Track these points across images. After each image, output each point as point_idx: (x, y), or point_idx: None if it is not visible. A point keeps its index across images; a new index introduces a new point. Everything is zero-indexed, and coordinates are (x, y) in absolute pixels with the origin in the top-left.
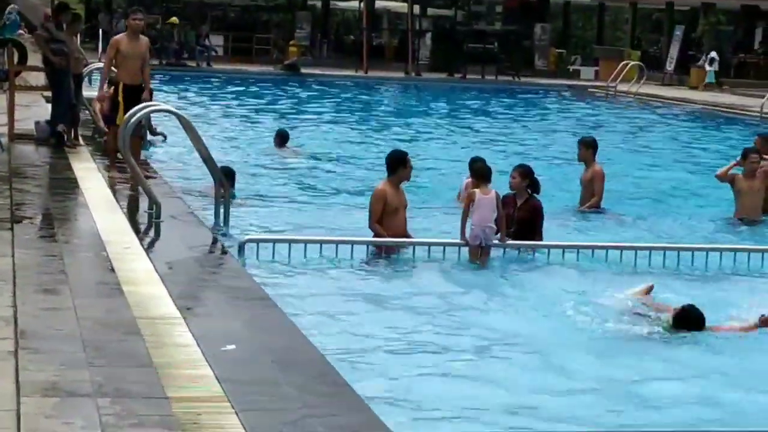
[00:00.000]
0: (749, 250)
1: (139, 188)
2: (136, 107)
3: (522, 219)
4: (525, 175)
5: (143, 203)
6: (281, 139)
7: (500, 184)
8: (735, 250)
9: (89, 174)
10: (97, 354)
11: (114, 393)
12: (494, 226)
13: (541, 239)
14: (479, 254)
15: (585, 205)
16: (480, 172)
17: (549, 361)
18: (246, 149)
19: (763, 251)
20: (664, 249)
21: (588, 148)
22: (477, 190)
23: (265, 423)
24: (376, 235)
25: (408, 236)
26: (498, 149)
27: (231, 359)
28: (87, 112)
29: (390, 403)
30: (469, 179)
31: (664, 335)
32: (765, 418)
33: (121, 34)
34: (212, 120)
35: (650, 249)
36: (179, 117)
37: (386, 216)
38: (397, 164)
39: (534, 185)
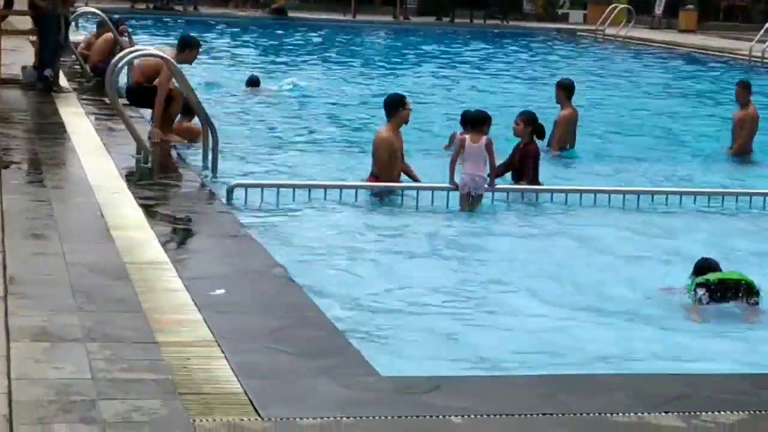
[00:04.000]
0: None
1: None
2: (123, 51)
3: (516, 162)
4: (528, 122)
5: (131, 149)
6: (254, 81)
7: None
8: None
9: (77, 119)
10: (86, 299)
11: (103, 338)
12: (485, 175)
13: (537, 182)
14: (469, 201)
15: (554, 146)
16: (469, 119)
17: (533, 304)
18: (228, 93)
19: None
20: (653, 193)
21: (562, 89)
22: (467, 137)
23: (254, 366)
24: (374, 178)
25: (416, 178)
26: (487, 93)
27: (220, 304)
28: (73, 57)
29: (376, 343)
30: (459, 132)
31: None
32: None
33: None
34: (197, 64)
35: (639, 193)
36: (167, 62)
37: (388, 161)
38: (396, 107)
39: (539, 131)
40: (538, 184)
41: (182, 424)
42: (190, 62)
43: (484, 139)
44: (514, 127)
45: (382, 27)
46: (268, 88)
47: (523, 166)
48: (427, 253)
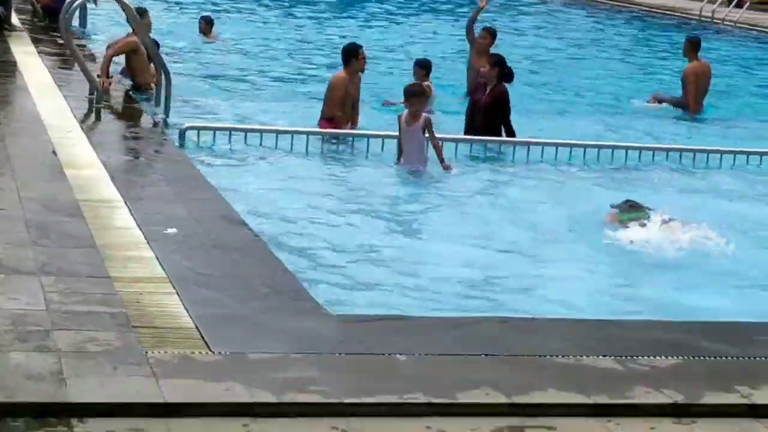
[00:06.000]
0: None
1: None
2: None
3: (487, 105)
4: (496, 64)
5: (84, 88)
6: (207, 24)
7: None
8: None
9: (30, 58)
10: (41, 234)
11: (58, 272)
12: (425, 163)
13: (509, 128)
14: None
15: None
16: (405, 92)
17: (478, 250)
18: (179, 37)
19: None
20: (627, 148)
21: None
22: (403, 117)
23: (206, 302)
24: (332, 123)
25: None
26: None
27: (172, 242)
28: None
29: (326, 284)
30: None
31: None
32: None
33: None
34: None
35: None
36: (123, 6)
37: (341, 104)
38: (350, 56)
39: (507, 75)
40: (512, 132)
41: (136, 354)
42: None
43: (420, 120)
44: (482, 70)
45: None
46: (223, 38)
47: (499, 108)
48: (374, 200)
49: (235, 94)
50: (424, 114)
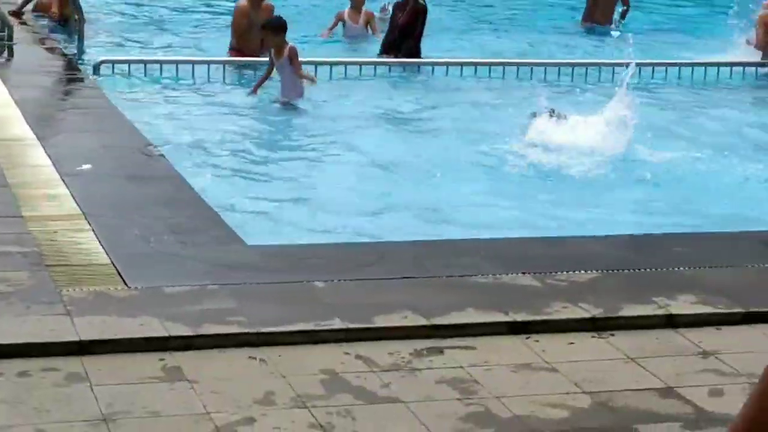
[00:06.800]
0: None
1: None
2: None
3: (404, 24)
4: None
5: None
6: None
7: None
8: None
9: None
10: None
11: None
12: (299, 95)
13: (417, 44)
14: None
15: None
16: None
17: (398, 172)
18: None
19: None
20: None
21: None
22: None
23: (121, 238)
24: (239, 52)
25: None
26: None
27: (87, 178)
28: None
29: (242, 214)
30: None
31: None
32: None
33: None
34: None
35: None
36: None
37: (246, 33)
38: None
39: None
40: (418, 51)
41: (49, 293)
42: None
43: (285, 52)
44: None
45: None
46: None
47: (413, 25)
48: (285, 127)
49: (153, 25)
50: (289, 45)
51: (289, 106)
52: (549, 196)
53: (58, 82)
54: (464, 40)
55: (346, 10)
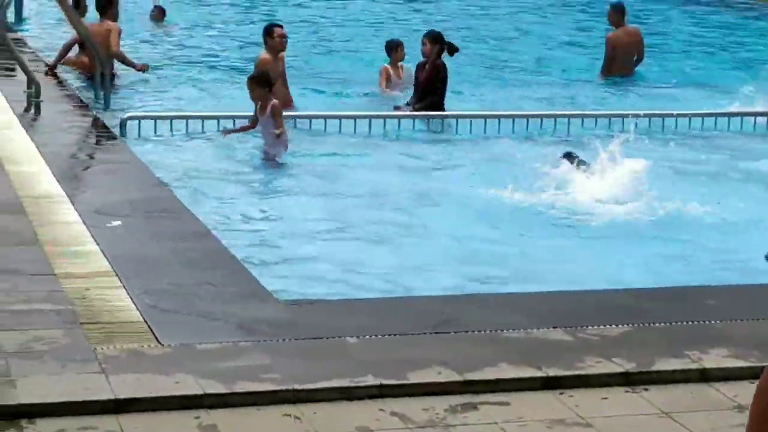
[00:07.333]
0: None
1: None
2: None
3: (424, 82)
4: (435, 41)
5: (22, 82)
6: (161, 13)
7: None
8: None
9: None
10: None
11: (0, 270)
12: (278, 155)
13: (441, 101)
14: None
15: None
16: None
17: (425, 227)
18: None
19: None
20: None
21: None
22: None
23: (153, 295)
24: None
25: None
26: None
27: (117, 235)
28: None
29: (272, 269)
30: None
31: None
32: None
33: None
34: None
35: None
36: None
37: None
38: (264, 35)
39: (449, 48)
40: (442, 107)
41: (83, 351)
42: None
43: (268, 109)
44: (422, 48)
45: None
46: (173, 25)
47: (427, 85)
48: (315, 183)
49: (182, 81)
50: (272, 102)
51: (272, 161)
52: (575, 247)
53: (85, 138)
54: (484, 92)
55: (389, 65)
